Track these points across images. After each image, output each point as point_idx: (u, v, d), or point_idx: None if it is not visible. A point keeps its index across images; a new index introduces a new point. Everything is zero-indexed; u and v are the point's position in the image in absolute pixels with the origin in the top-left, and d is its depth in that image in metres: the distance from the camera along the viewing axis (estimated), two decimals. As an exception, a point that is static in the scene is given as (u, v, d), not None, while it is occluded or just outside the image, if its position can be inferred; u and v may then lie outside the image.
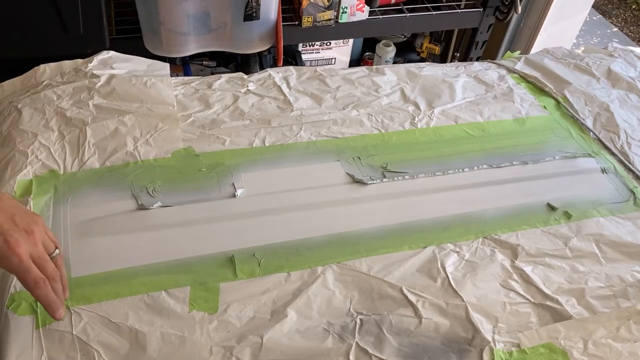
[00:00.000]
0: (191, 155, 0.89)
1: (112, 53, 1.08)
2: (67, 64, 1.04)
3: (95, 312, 0.66)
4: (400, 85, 1.11)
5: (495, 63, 1.25)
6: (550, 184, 0.92)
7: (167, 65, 1.08)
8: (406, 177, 0.90)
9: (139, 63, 1.07)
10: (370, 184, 0.88)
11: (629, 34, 3.42)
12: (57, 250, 0.61)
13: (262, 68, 1.66)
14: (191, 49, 1.48)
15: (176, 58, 1.62)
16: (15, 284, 0.67)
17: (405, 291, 0.72)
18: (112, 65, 1.04)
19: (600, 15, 3.53)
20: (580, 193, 0.91)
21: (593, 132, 1.04)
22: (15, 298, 0.66)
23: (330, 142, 0.95)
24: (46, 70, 1.02)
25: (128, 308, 0.67)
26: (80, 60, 1.05)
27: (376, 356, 0.65)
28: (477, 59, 1.93)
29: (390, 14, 1.72)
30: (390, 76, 1.14)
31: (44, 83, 0.99)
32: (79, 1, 1.28)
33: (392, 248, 0.78)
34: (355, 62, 2.00)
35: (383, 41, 1.95)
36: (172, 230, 0.77)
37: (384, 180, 0.89)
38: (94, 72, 1.01)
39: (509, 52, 1.36)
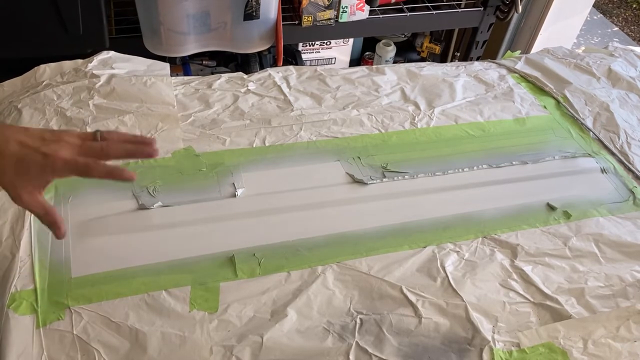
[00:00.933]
0: (191, 155, 0.89)
1: (112, 53, 1.08)
2: (67, 64, 1.04)
3: (95, 312, 0.66)
4: (400, 85, 1.11)
5: (496, 63, 1.25)
6: (550, 184, 0.92)
7: (167, 65, 1.08)
8: (406, 177, 0.90)
9: (138, 63, 1.07)
10: (370, 184, 0.88)
11: (630, 33, 3.42)
12: (98, 132, 0.59)
13: (262, 68, 1.66)
14: (191, 49, 1.48)
15: (176, 58, 1.62)
16: (15, 284, 0.67)
17: (405, 291, 0.72)
18: (112, 65, 1.04)
19: (601, 15, 3.53)
20: (580, 193, 0.91)
21: (593, 132, 1.04)
22: (16, 297, 0.66)
23: (330, 142, 0.95)
24: (46, 70, 1.02)
25: (128, 308, 0.67)
26: (80, 61, 1.05)
27: (376, 356, 0.65)
28: (478, 59, 1.93)
29: (391, 13, 1.72)
30: (390, 76, 1.14)
31: (44, 83, 0.99)
32: (79, 1, 1.28)
33: (392, 248, 0.78)
34: (355, 61, 2.00)
35: (383, 41, 1.95)
36: (172, 230, 0.77)
37: (384, 180, 0.89)
38: (94, 72, 1.01)
39: (509, 51, 1.36)
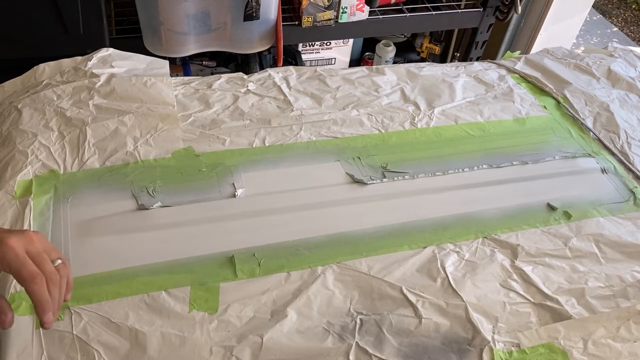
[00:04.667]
0: (191, 155, 0.89)
1: (111, 50, 1.07)
2: (66, 63, 1.03)
3: (95, 312, 0.66)
4: (400, 85, 1.11)
5: (496, 63, 1.25)
6: (550, 184, 0.92)
7: (167, 62, 1.08)
8: (406, 177, 0.90)
9: (138, 61, 1.07)
10: (370, 184, 0.88)
11: (629, 33, 3.42)
12: (59, 260, 0.58)
13: (262, 68, 1.66)
14: (191, 49, 1.48)
15: (176, 58, 1.62)
16: (15, 285, 0.67)
17: (405, 291, 0.72)
18: (111, 63, 1.04)
19: (601, 15, 3.53)
20: (580, 193, 0.91)
21: (593, 132, 1.04)
22: (16, 298, 0.66)
23: (330, 142, 0.95)
24: (45, 69, 1.02)
25: (128, 308, 0.67)
26: (79, 58, 1.04)
27: (376, 356, 0.65)
28: (477, 59, 1.93)
29: (390, 13, 1.72)
30: (390, 76, 1.14)
31: (44, 82, 0.99)
32: (79, 1, 1.28)
33: (392, 248, 0.78)
34: (355, 62, 2.00)
35: (383, 41, 1.95)
36: (172, 230, 0.77)
37: (384, 180, 0.89)
38: (93, 71, 1.01)
39: (509, 52, 1.36)
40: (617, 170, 0.96)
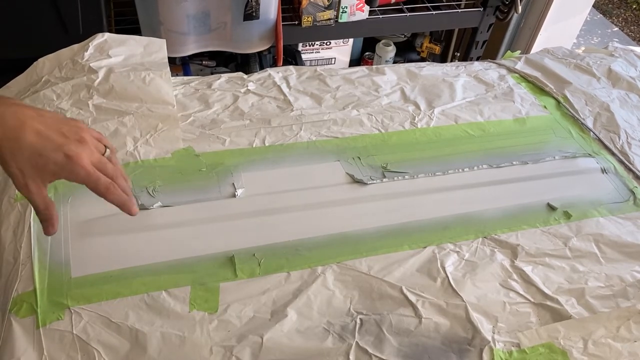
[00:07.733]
0: (191, 155, 0.89)
1: (107, 35, 1.05)
2: (64, 54, 1.02)
3: (95, 312, 0.66)
4: (400, 85, 1.11)
5: (496, 63, 1.25)
6: (550, 184, 0.92)
7: (164, 42, 1.06)
8: (406, 177, 0.90)
9: (135, 45, 1.06)
10: (370, 184, 0.88)
11: (630, 33, 3.42)
12: (107, 149, 0.61)
13: (262, 68, 1.66)
14: (191, 49, 1.48)
15: (176, 58, 1.62)
16: (17, 288, 0.67)
17: (405, 291, 0.72)
18: (108, 52, 1.03)
19: (601, 15, 3.53)
20: (580, 193, 0.91)
21: (593, 132, 1.04)
22: (17, 301, 0.66)
23: (330, 142, 0.95)
24: (45, 63, 1.02)
25: (128, 308, 0.67)
26: (76, 47, 1.03)
27: (376, 356, 0.65)
28: (477, 59, 1.93)
29: (390, 13, 1.72)
30: (390, 76, 1.13)
31: (43, 79, 0.99)
32: (79, 1, 1.28)
33: (392, 248, 0.78)
34: (355, 61, 2.00)
35: (383, 41, 1.96)
36: (172, 230, 0.77)
37: (384, 180, 0.89)
38: (91, 65, 1.00)
39: (509, 51, 1.36)
40: (617, 170, 0.96)
